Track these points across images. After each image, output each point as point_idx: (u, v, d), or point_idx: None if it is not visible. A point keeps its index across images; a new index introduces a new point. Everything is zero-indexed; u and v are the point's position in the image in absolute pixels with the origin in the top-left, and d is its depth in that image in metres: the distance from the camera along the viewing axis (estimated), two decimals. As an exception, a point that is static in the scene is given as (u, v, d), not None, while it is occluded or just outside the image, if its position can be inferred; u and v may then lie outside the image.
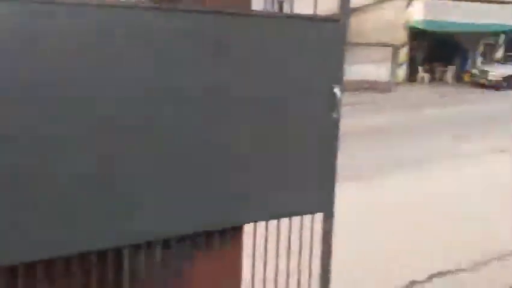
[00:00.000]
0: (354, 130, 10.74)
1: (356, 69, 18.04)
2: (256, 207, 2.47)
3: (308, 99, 2.51)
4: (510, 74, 20.51)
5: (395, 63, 19.00)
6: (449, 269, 4.49)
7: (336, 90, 2.52)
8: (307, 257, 2.70)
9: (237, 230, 2.45)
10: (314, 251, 2.70)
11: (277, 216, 2.58)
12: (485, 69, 21.02)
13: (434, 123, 12.17)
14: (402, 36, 19.59)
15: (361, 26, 18.57)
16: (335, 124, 2.59)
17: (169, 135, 2.14)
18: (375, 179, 7.06)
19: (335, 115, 2.55)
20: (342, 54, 2.53)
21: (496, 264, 4.65)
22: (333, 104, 2.53)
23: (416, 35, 20.00)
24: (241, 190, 2.39)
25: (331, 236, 2.77)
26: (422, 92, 18.50)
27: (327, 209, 2.70)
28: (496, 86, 20.04)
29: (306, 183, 2.61)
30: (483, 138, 9.99)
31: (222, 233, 2.37)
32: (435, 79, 21.72)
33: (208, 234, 2.34)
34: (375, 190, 6.57)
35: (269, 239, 2.57)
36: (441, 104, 15.89)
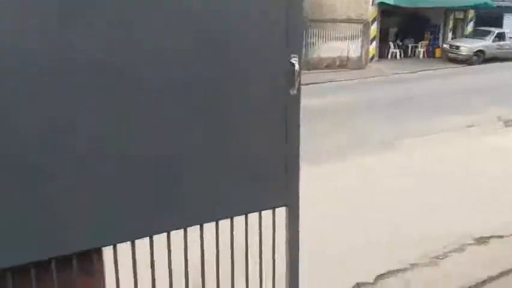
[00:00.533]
0: (325, 107, 10.40)
1: (328, 46, 17.70)
2: (202, 206, 2.05)
3: (259, 73, 2.08)
4: (480, 48, 20.48)
5: (366, 40, 18.65)
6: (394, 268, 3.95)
7: (294, 60, 2.09)
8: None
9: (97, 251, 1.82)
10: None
11: (232, 214, 2.17)
12: (456, 44, 20.91)
13: (407, 99, 11.87)
14: (372, 12, 19.21)
15: (332, 2, 18.16)
16: (295, 103, 2.16)
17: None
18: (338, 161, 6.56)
19: (293, 92, 2.13)
20: (298, 13, 2.09)
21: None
22: (291, 78, 2.10)
23: (387, 10, 19.67)
24: (182, 189, 1.96)
25: (297, 233, 2.38)
26: (394, 68, 18.23)
27: (291, 202, 2.30)
28: (467, 60, 19.96)
29: (265, 174, 2.19)
30: (457, 114, 9.62)
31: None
32: (407, 55, 21.52)
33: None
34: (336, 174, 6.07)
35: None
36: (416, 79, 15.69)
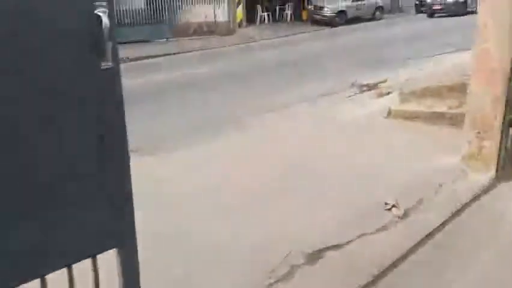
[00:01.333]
0: (184, 81, 9.42)
1: (195, 10, 16.69)
2: None
3: (53, 39, 1.20)
4: (342, 9, 20.87)
5: (233, 2, 17.88)
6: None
7: (101, 12, 1.23)
8: None
9: None
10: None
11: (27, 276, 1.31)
12: (320, 5, 21.05)
13: (270, 68, 11.25)
14: (237, -27, 18.41)
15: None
16: (111, 82, 1.32)
17: None
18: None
19: (106, 65, 1.28)
20: None
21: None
22: (100, 41, 1.25)
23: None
24: None
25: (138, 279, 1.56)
26: (262, 33, 17.72)
27: (124, 240, 1.48)
28: (331, 22, 20.20)
29: (78, 203, 1.35)
30: (314, 82, 8.98)
31: None
32: (276, 18, 21.21)
33: None
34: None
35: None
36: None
